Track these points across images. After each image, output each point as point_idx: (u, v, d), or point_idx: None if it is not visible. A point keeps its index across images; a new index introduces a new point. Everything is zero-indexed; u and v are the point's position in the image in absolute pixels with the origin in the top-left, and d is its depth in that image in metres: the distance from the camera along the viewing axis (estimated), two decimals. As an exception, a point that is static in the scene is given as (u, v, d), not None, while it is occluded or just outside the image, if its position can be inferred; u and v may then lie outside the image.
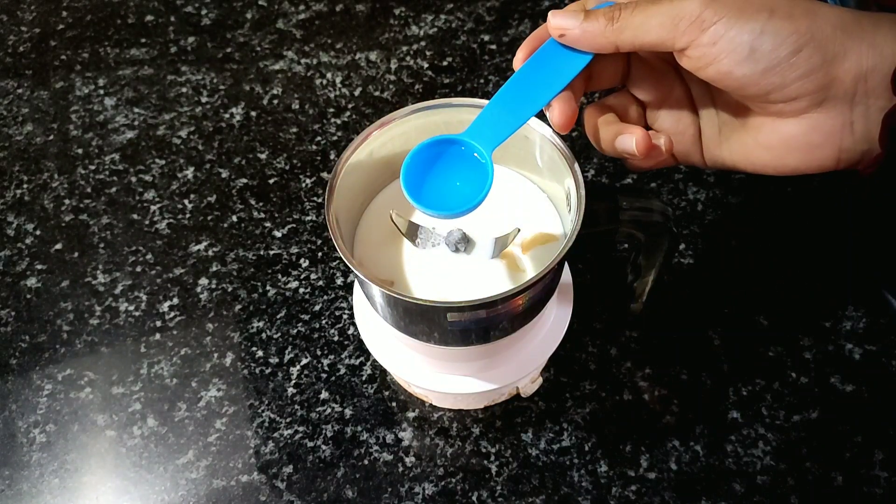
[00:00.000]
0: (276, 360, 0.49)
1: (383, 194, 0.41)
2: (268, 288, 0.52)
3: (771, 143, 0.33)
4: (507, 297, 0.32)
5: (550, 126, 0.35)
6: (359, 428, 0.46)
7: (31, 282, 0.53)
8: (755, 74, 0.30)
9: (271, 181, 0.57)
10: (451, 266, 0.38)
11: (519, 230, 0.38)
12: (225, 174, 0.58)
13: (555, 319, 0.42)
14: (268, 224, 0.55)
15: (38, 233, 0.56)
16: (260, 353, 0.49)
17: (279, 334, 0.50)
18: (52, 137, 0.61)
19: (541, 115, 0.34)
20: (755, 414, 0.45)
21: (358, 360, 0.48)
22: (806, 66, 0.29)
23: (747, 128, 0.34)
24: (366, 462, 0.45)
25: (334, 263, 0.53)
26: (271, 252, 0.53)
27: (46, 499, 0.45)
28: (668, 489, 0.43)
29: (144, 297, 0.52)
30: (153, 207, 0.56)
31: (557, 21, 0.32)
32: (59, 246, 0.55)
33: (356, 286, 0.45)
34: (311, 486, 0.44)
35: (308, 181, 0.57)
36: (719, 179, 0.55)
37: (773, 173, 0.34)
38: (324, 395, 0.47)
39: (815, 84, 0.30)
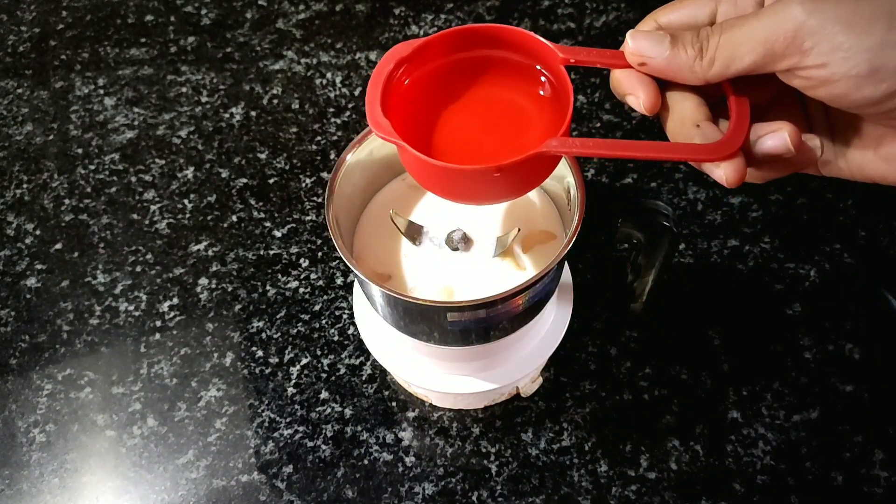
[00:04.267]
0: (276, 360, 0.49)
1: (383, 194, 0.41)
2: (268, 288, 0.52)
3: (894, 156, 0.28)
4: (507, 297, 0.32)
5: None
6: (359, 428, 0.46)
7: (31, 282, 0.53)
8: (877, 96, 0.25)
9: (271, 181, 0.57)
10: (450, 265, 0.38)
11: (519, 230, 0.38)
12: (225, 174, 0.58)
13: (555, 319, 0.42)
14: (268, 224, 0.55)
15: (38, 233, 0.56)
16: (260, 353, 0.49)
17: (279, 334, 0.50)
18: (52, 137, 0.61)
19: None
20: (755, 414, 0.45)
21: (358, 360, 0.48)
22: None
23: (865, 139, 0.29)
24: (366, 462, 0.45)
25: (334, 263, 0.53)
26: (271, 252, 0.53)
27: (46, 499, 0.45)
28: (668, 489, 0.43)
29: (144, 297, 0.52)
30: (153, 207, 0.56)
31: (639, 47, 0.28)
32: (59, 246, 0.55)
33: (356, 286, 0.45)
34: (311, 485, 0.44)
35: (308, 181, 0.57)
36: (719, 179, 0.55)
37: (894, 184, 0.29)
38: (324, 394, 0.47)
39: None
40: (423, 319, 0.35)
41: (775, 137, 0.27)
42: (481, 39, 0.32)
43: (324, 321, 0.50)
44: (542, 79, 0.32)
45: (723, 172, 0.27)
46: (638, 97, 0.29)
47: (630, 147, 0.28)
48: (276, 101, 0.62)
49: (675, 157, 0.28)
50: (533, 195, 0.40)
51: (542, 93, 0.32)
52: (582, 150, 0.28)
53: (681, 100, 0.29)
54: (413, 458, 0.45)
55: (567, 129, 0.29)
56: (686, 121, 0.29)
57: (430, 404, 0.47)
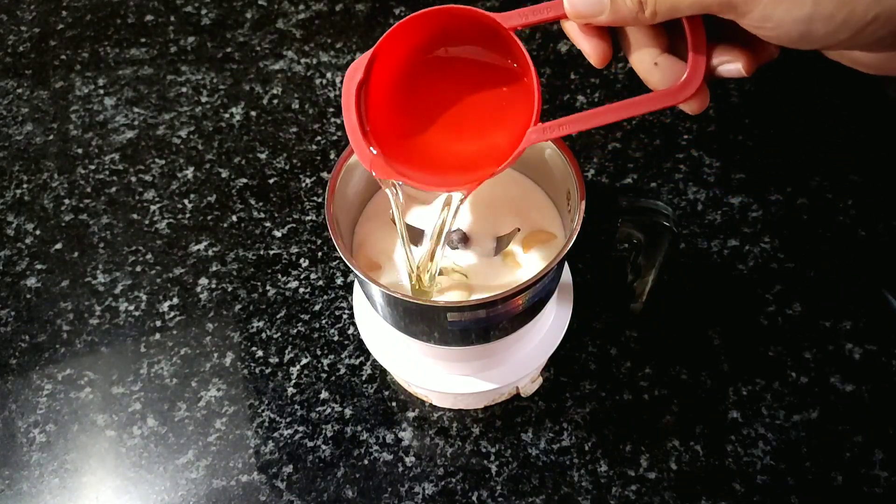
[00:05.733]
0: (276, 360, 0.49)
1: (383, 193, 0.41)
2: (268, 288, 0.52)
3: (842, 59, 0.29)
4: (507, 297, 0.32)
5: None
6: (359, 428, 0.46)
7: (31, 282, 0.53)
8: (812, 49, 0.27)
9: (271, 181, 0.57)
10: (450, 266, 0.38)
11: (519, 230, 0.38)
12: (225, 174, 0.58)
13: (555, 319, 0.42)
14: (268, 224, 0.55)
15: (38, 233, 0.56)
16: (260, 353, 0.49)
17: (279, 334, 0.50)
18: (51, 137, 0.61)
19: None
20: (755, 414, 0.45)
21: (358, 360, 0.48)
22: (873, 38, 0.25)
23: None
24: (366, 462, 0.45)
25: (334, 263, 0.53)
26: (271, 252, 0.53)
27: (46, 499, 0.45)
28: (668, 489, 0.43)
29: (144, 297, 0.52)
30: (153, 207, 0.56)
31: (577, 9, 0.29)
32: (59, 246, 0.55)
33: (356, 286, 0.45)
34: (311, 485, 0.44)
35: (308, 181, 0.57)
36: (719, 179, 0.55)
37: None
38: (324, 394, 0.47)
39: (888, 45, 0.26)
40: (423, 319, 0.35)
41: (731, 67, 0.29)
42: (431, 31, 0.31)
43: (324, 321, 0.50)
44: (507, 59, 0.32)
45: (688, 108, 0.30)
46: (587, 53, 0.30)
47: (602, 113, 0.30)
48: (276, 101, 0.62)
49: (644, 110, 0.30)
50: (533, 195, 0.40)
51: (509, 74, 0.32)
52: (560, 132, 0.30)
53: (637, 40, 0.30)
54: (413, 458, 0.45)
55: (538, 115, 0.30)
56: (644, 57, 0.30)
57: (430, 404, 0.47)
